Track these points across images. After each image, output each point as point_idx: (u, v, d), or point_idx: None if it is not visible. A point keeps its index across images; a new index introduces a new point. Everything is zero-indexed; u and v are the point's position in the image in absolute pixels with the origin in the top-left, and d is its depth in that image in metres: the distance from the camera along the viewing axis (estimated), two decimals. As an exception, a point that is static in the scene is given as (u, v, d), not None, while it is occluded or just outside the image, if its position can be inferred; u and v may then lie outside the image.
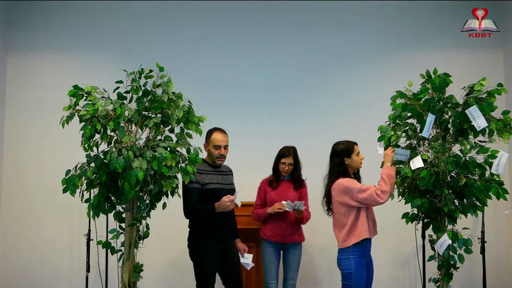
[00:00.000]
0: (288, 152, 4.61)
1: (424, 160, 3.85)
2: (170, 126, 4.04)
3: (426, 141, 4.01)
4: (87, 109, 3.80)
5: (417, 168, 3.79)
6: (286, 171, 4.60)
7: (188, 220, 4.26)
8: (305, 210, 4.57)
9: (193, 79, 5.55)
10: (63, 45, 5.69)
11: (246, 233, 4.70)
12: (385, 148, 3.95)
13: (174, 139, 4.08)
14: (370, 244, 3.91)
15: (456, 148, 3.95)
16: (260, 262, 4.74)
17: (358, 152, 4.05)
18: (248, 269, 4.42)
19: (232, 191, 4.16)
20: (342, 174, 3.97)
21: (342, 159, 3.98)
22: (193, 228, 4.15)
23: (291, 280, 4.58)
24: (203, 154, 4.15)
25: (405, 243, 5.24)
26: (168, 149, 3.87)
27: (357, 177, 4.14)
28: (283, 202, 4.44)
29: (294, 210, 4.44)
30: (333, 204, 3.97)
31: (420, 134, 3.94)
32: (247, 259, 4.37)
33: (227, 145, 4.21)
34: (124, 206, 3.99)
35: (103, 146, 3.95)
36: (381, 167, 4.14)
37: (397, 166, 4.00)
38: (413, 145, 4.01)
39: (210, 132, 4.22)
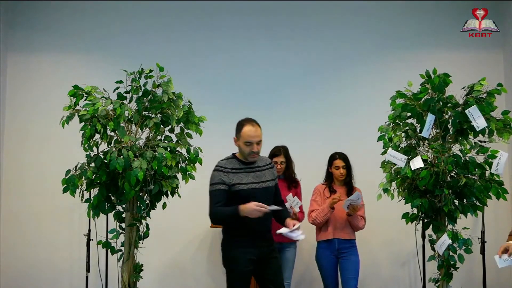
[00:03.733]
0: (279, 151, 4.64)
1: (424, 160, 3.85)
2: (170, 126, 4.04)
3: (426, 141, 4.01)
4: (87, 109, 3.80)
5: (417, 168, 3.80)
6: (279, 169, 4.59)
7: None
8: (300, 211, 4.59)
9: (193, 79, 5.54)
10: (63, 45, 5.68)
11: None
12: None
13: (174, 139, 4.09)
14: (334, 240, 4.43)
15: (456, 148, 3.96)
16: None
17: (337, 166, 4.50)
18: (298, 239, 3.65)
19: (268, 190, 3.60)
20: (327, 179, 4.62)
21: (327, 166, 4.60)
22: (225, 234, 3.62)
23: (286, 280, 4.56)
24: (203, 154, 4.12)
25: (405, 243, 5.24)
26: (168, 149, 3.88)
27: (350, 184, 4.53)
28: (287, 197, 4.46)
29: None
30: None
31: (420, 134, 3.94)
32: (295, 233, 3.56)
33: (261, 140, 3.59)
34: (124, 206, 4.00)
35: (103, 146, 3.95)
36: (381, 167, 4.15)
37: (396, 167, 4.00)
38: (413, 145, 4.01)
39: (240, 125, 3.59)
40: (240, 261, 3.48)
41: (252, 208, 3.37)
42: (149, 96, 3.95)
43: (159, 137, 4.02)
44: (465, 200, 3.93)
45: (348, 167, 4.51)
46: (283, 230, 3.56)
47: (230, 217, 3.46)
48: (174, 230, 5.43)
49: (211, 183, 3.53)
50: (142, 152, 3.81)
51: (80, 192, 3.89)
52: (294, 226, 3.53)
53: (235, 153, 3.65)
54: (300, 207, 4.60)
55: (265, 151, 4.71)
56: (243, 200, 3.43)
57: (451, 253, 3.84)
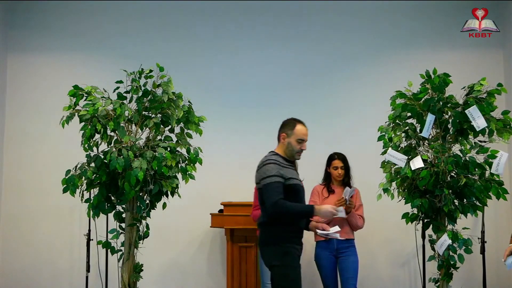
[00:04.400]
0: None
1: (424, 160, 3.85)
2: (170, 126, 4.04)
3: (426, 141, 4.01)
4: (87, 109, 3.81)
5: (417, 168, 3.80)
6: None
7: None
8: None
9: (193, 78, 5.54)
10: (63, 45, 5.68)
11: (246, 233, 4.69)
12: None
13: (174, 139, 4.09)
14: (332, 240, 4.33)
15: (456, 148, 3.96)
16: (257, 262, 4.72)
17: (335, 166, 4.48)
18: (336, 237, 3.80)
19: (303, 188, 3.63)
20: (325, 180, 4.58)
21: (326, 167, 4.57)
22: (275, 228, 3.41)
23: None
24: (203, 154, 4.12)
25: (405, 243, 5.24)
26: (168, 149, 3.88)
27: (348, 184, 4.49)
28: None
29: None
30: None
31: (420, 134, 3.94)
32: (335, 228, 3.67)
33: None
34: (124, 206, 4.00)
35: (103, 146, 3.95)
36: (381, 167, 4.15)
37: (396, 167, 4.01)
38: (413, 145, 4.01)
39: (292, 123, 3.58)
40: (296, 257, 3.42)
41: (329, 210, 3.41)
42: (149, 96, 3.95)
43: (159, 137, 4.02)
44: (465, 200, 3.92)
45: (346, 167, 4.51)
46: (323, 232, 3.61)
47: (301, 214, 3.44)
48: (174, 230, 5.43)
49: (268, 175, 3.38)
50: (142, 152, 3.81)
51: (80, 192, 3.89)
52: (330, 229, 3.61)
53: (273, 151, 3.59)
54: None
55: (267, 151, 4.68)
56: (295, 194, 3.42)
57: (451, 253, 3.84)
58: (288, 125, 3.58)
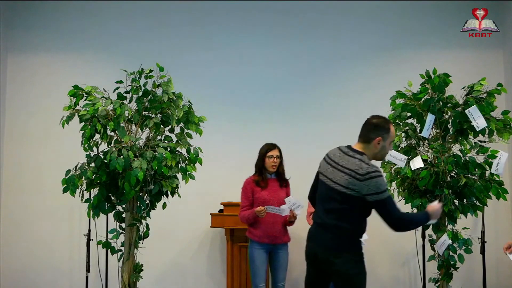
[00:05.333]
0: (273, 146, 4.51)
1: (424, 160, 3.85)
2: (170, 126, 4.04)
3: (426, 141, 4.02)
4: (87, 109, 3.80)
5: (417, 168, 3.80)
6: (275, 163, 4.42)
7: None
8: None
9: (192, 79, 5.54)
10: (63, 45, 5.68)
11: (245, 233, 4.68)
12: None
13: (174, 139, 4.09)
14: None
15: (456, 148, 3.96)
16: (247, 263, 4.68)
17: None
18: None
19: None
20: None
21: None
22: (354, 234, 3.20)
23: (281, 282, 4.46)
24: (203, 154, 4.12)
25: (405, 243, 5.24)
26: (168, 149, 3.88)
27: None
28: (286, 199, 4.35)
29: (289, 215, 4.37)
30: None
31: (420, 134, 3.94)
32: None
33: None
34: (124, 206, 4.00)
35: (103, 146, 3.95)
36: (381, 167, 4.14)
37: (396, 167, 4.01)
38: (413, 145, 4.01)
39: (386, 125, 3.12)
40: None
41: (438, 209, 3.10)
42: (149, 96, 3.95)
43: (159, 137, 4.02)
44: (465, 200, 3.93)
45: None
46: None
47: (422, 223, 3.18)
48: (174, 230, 5.43)
49: (383, 190, 3.03)
50: (142, 152, 3.81)
51: (80, 192, 3.89)
52: None
53: (364, 153, 3.13)
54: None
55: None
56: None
57: (451, 253, 3.85)
58: (383, 127, 3.12)
